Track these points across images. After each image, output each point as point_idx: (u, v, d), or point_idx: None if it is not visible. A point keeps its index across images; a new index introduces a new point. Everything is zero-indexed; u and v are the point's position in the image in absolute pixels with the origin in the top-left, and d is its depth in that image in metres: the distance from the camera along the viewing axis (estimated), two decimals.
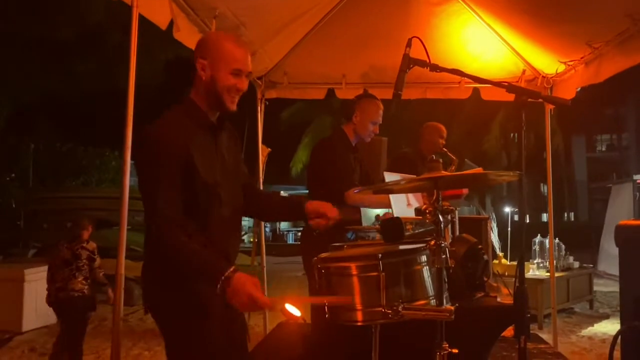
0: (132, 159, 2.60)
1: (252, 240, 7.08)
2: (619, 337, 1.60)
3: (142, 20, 2.84)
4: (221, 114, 1.98)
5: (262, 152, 5.42)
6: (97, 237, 9.44)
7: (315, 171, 3.40)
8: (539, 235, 7.52)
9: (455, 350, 1.59)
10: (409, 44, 1.95)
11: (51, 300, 4.35)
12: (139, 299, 7.57)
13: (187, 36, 3.43)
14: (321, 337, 2.98)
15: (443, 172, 1.62)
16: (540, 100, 1.86)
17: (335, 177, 3.17)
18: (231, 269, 1.65)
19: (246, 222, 14.48)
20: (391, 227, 1.63)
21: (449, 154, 3.85)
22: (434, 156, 1.64)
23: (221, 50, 1.87)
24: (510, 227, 8.49)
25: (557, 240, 7.25)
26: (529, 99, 1.81)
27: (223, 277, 1.63)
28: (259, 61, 4.65)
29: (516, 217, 9.08)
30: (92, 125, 16.89)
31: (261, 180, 5.40)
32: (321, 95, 5.30)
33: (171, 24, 3.19)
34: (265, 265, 5.37)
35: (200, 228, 1.86)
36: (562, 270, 7.20)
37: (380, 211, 3.18)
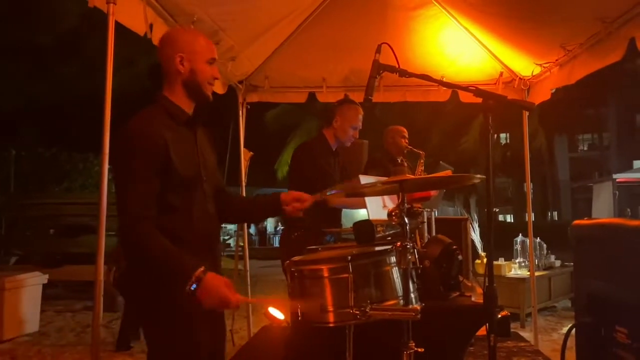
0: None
1: (240, 244, 7.07)
2: (571, 332, 1.65)
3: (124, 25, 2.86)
4: (196, 110, 2.02)
5: (244, 155, 5.43)
6: (81, 243, 9.39)
7: (295, 174, 3.45)
8: (520, 234, 7.62)
9: (421, 349, 1.62)
10: (378, 50, 1.99)
11: (119, 283, 4.94)
12: (121, 305, 7.53)
13: None
14: (302, 339, 3.01)
15: (408, 175, 1.66)
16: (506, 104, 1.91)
17: (315, 179, 3.21)
18: (201, 269, 1.68)
19: (232, 225, 14.44)
20: (362, 229, 1.66)
21: (414, 150, 3.96)
22: (399, 159, 1.68)
23: (195, 43, 1.96)
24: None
25: (538, 240, 7.35)
26: (496, 103, 1.86)
27: (194, 276, 1.66)
28: (239, 65, 4.67)
29: (500, 217, 9.18)
30: (75, 130, 16.75)
31: (244, 184, 5.42)
32: (302, 99, 5.33)
33: (149, 30, 3.20)
34: (248, 269, 5.39)
35: (185, 225, 1.87)
36: (544, 269, 7.29)
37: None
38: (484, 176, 1.66)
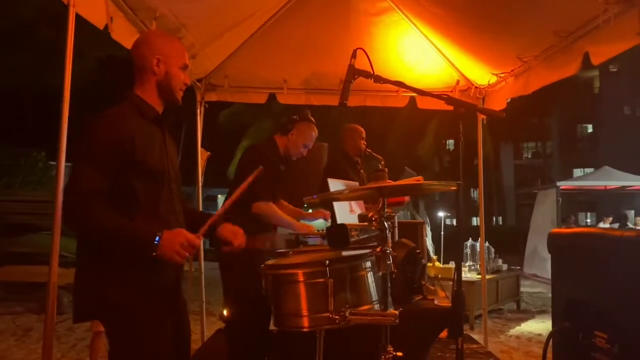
0: (70, 160, 2.54)
1: None
2: (551, 337, 1.71)
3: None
4: (164, 111, 2.05)
5: (202, 155, 5.34)
6: (23, 242, 8.97)
7: (241, 176, 3.40)
8: (470, 239, 7.82)
9: (399, 354, 1.63)
10: (354, 55, 2.00)
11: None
12: (69, 307, 7.25)
13: (126, 37, 3.33)
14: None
15: (389, 181, 1.67)
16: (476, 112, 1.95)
17: (260, 185, 3.17)
18: (159, 233, 1.72)
19: None
20: (337, 233, 1.65)
21: (374, 154, 4.00)
22: (379, 166, 1.69)
23: (172, 47, 2.02)
24: (443, 231, 8.74)
25: (487, 244, 7.57)
26: (466, 111, 1.90)
27: (155, 243, 1.70)
28: (199, 63, 4.59)
29: (448, 222, 9.41)
30: (18, 124, 16.04)
31: (200, 185, 5.32)
32: (262, 99, 5.29)
33: (109, 24, 3.09)
34: (203, 270, 5.29)
35: (150, 220, 1.85)
36: (492, 273, 7.52)
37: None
38: (460, 182, 1.69)
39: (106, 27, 3.09)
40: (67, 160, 2.62)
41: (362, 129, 4.39)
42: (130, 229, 1.75)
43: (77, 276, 1.88)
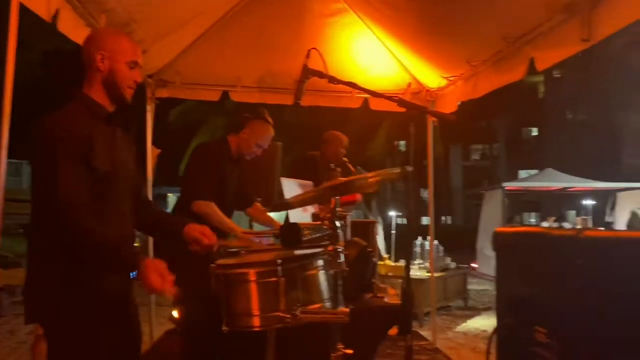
0: (12, 157, 2.44)
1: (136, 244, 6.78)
2: (495, 333, 1.78)
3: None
4: (115, 109, 2.01)
5: (152, 153, 5.22)
6: None
7: (190, 174, 3.33)
8: (419, 237, 7.99)
9: (349, 351, 1.65)
10: (307, 55, 2.01)
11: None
12: (9, 309, 6.96)
13: (73, 29, 3.22)
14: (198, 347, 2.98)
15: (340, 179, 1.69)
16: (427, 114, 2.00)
17: (209, 183, 3.11)
18: (140, 257, 1.73)
19: None
20: (290, 232, 1.66)
21: (348, 164, 4.05)
22: (332, 165, 1.71)
23: (118, 43, 1.97)
24: (395, 230, 8.88)
25: (436, 242, 7.74)
26: (418, 113, 1.95)
27: (136, 264, 1.70)
28: (150, 59, 4.47)
29: (398, 221, 9.57)
30: None
31: (150, 183, 5.21)
32: (215, 97, 5.22)
33: (55, 15, 2.98)
34: None
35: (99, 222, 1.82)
36: (440, 271, 7.70)
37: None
38: (410, 167, 1.73)
39: (52, 18, 2.98)
40: (9, 157, 2.53)
41: (346, 139, 4.47)
42: (118, 253, 1.77)
43: (28, 277, 1.85)
